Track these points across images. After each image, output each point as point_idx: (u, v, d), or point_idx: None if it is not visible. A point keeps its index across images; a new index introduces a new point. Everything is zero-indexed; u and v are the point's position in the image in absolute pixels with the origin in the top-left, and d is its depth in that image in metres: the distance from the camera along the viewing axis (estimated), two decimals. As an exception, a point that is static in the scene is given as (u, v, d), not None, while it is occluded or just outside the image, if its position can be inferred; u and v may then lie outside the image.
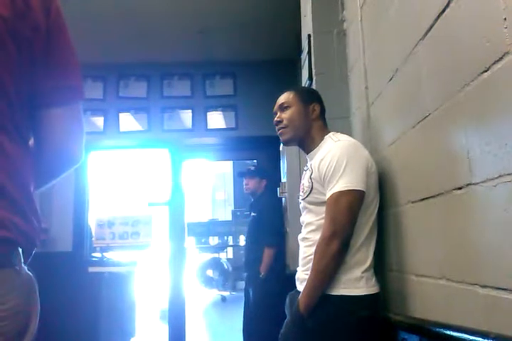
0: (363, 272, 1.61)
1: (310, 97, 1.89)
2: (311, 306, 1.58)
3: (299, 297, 1.62)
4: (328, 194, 1.62)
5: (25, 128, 0.93)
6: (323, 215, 1.64)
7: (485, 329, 1.02)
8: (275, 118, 1.88)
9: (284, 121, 1.84)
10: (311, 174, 1.72)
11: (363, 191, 1.61)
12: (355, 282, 1.59)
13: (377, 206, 1.70)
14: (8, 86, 0.88)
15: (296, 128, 1.83)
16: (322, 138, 1.80)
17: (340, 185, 1.59)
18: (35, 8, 0.91)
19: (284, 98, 1.88)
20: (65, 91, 0.95)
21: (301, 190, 1.80)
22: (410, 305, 1.52)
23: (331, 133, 1.81)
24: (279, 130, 1.87)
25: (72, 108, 0.96)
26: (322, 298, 1.59)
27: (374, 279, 1.65)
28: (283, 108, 1.87)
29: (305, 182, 1.76)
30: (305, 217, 1.76)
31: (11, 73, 0.88)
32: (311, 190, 1.71)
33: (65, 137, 0.96)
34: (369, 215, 1.66)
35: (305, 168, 1.84)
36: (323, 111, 1.89)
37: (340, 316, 1.57)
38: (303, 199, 1.76)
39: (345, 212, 1.58)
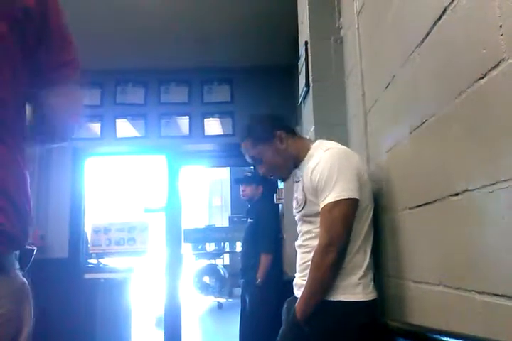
0: (360, 278, 1.60)
1: (266, 131, 1.82)
2: (308, 313, 1.58)
3: (296, 304, 1.62)
4: (322, 204, 1.61)
5: (19, 122, 0.95)
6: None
7: (482, 335, 1.02)
8: (261, 173, 1.87)
9: (266, 172, 1.84)
10: (303, 186, 1.70)
11: (357, 199, 1.60)
12: (353, 288, 1.59)
13: (372, 211, 1.69)
14: (7, 76, 0.89)
15: (281, 166, 1.81)
16: (308, 149, 1.77)
17: (334, 195, 1.58)
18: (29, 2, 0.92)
19: (246, 151, 1.85)
20: (62, 70, 0.99)
21: (295, 203, 1.78)
22: (408, 311, 1.51)
23: (317, 142, 1.79)
24: (271, 177, 1.89)
25: (69, 85, 1.01)
26: (319, 304, 1.58)
27: (372, 285, 1.64)
28: (254, 161, 1.85)
29: (298, 195, 1.74)
30: (302, 227, 1.75)
31: (10, 61, 0.90)
32: (305, 203, 1.69)
33: (63, 114, 1.01)
34: (364, 221, 1.66)
35: (296, 180, 1.81)
36: (288, 129, 1.84)
37: (338, 323, 1.56)
38: (298, 212, 1.75)
39: (341, 221, 1.58)
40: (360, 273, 1.61)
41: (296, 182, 1.79)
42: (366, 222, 1.66)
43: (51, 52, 0.96)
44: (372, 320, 1.60)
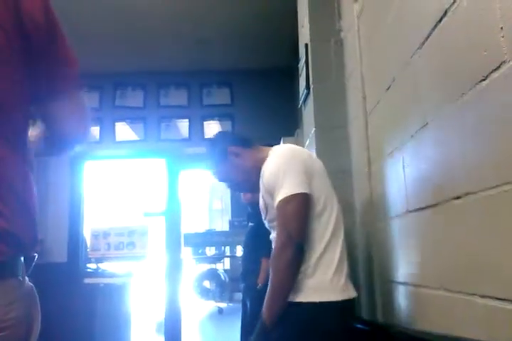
0: (331, 278, 1.54)
1: (219, 151, 1.86)
2: (273, 317, 1.53)
3: (262, 308, 1.57)
4: (275, 204, 1.60)
5: (23, 127, 0.96)
6: None
7: (484, 340, 1.01)
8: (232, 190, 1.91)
9: (236, 189, 1.97)
10: (260, 193, 1.72)
11: (307, 193, 1.58)
12: (324, 288, 1.54)
13: (335, 209, 1.65)
14: (6, 92, 0.89)
15: (245, 179, 1.83)
16: (266, 157, 1.75)
17: (283, 192, 1.57)
18: (34, 11, 0.92)
19: (214, 176, 1.92)
20: (64, 82, 0.99)
21: (261, 211, 1.77)
22: (409, 315, 1.50)
23: (273, 148, 1.79)
24: (244, 193, 1.90)
25: (73, 97, 1.01)
26: (287, 306, 1.53)
27: (346, 284, 1.57)
28: (224, 182, 1.93)
29: (260, 202, 1.75)
30: (273, 233, 1.70)
31: (11, 76, 0.90)
32: (266, 208, 1.70)
33: (66, 126, 1.02)
34: (326, 218, 1.62)
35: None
36: (241, 142, 1.86)
37: (308, 325, 1.50)
38: (265, 219, 1.75)
39: (294, 216, 1.56)
40: (330, 272, 1.55)
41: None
42: (329, 221, 1.62)
43: (54, 64, 0.97)
44: (342, 323, 1.55)
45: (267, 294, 1.57)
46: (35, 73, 0.94)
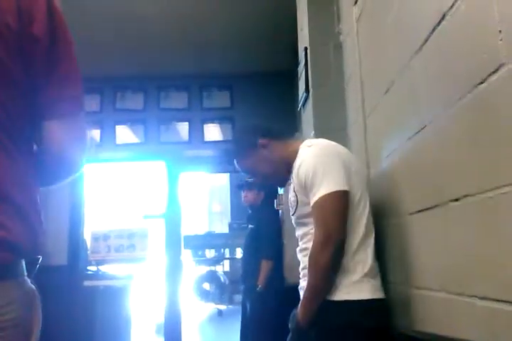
0: (363, 276, 1.54)
1: (249, 142, 1.82)
2: (310, 316, 1.52)
3: (298, 308, 1.57)
4: (312, 201, 1.56)
5: (25, 138, 0.94)
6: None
7: (485, 342, 1.01)
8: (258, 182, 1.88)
9: (262, 181, 1.87)
10: (294, 187, 1.67)
11: (347, 190, 1.56)
12: (357, 286, 1.52)
13: (368, 206, 1.64)
14: (4, 99, 0.88)
15: (273, 172, 1.80)
16: (297, 151, 1.72)
17: (323, 189, 1.54)
18: (38, 20, 0.91)
19: (238, 167, 1.87)
20: (66, 104, 0.96)
21: (289, 204, 1.74)
22: (410, 317, 1.50)
23: (305, 141, 1.75)
24: (272, 184, 1.93)
25: (73, 119, 0.97)
26: (323, 304, 1.52)
27: (378, 284, 1.57)
28: (248, 174, 1.90)
29: (291, 196, 1.71)
30: (299, 230, 1.71)
31: (9, 87, 0.89)
32: (297, 204, 1.66)
33: (65, 148, 0.97)
34: (359, 215, 1.60)
35: (289, 182, 1.78)
36: (271, 135, 1.83)
37: (344, 324, 1.49)
38: (293, 215, 1.71)
39: (334, 214, 1.53)
40: (364, 270, 1.54)
41: (289, 184, 1.76)
42: (363, 218, 1.61)
43: (55, 84, 0.94)
44: (380, 322, 1.54)
45: (304, 294, 1.56)
46: (37, 90, 0.92)
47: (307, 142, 1.73)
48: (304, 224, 1.67)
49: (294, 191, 1.66)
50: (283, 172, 1.77)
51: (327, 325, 1.50)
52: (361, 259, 1.56)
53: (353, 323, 1.49)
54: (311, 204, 1.57)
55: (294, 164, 1.69)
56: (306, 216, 1.63)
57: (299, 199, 1.65)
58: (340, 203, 1.55)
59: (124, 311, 4.72)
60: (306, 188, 1.60)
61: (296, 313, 1.58)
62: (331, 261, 1.51)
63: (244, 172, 1.87)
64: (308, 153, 1.64)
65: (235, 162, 1.86)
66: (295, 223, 1.74)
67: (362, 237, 1.59)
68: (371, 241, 1.62)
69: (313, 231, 1.61)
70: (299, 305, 1.57)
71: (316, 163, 1.58)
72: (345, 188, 1.55)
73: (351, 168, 1.62)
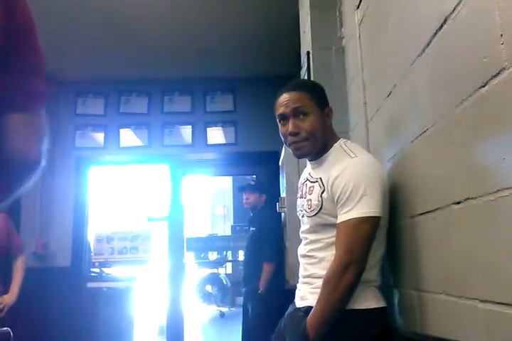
0: (370, 286, 1.52)
1: (324, 98, 1.66)
2: (323, 331, 1.46)
3: (308, 320, 1.49)
4: (343, 218, 1.47)
5: None
6: (332, 234, 1.52)
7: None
8: (290, 128, 1.58)
9: (303, 133, 1.57)
10: (323, 192, 1.55)
11: (380, 217, 1.48)
12: (364, 296, 1.50)
13: (386, 225, 1.59)
14: None
15: (317, 140, 1.59)
16: (331, 145, 1.62)
17: (360, 210, 1.45)
18: None
19: (298, 100, 1.59)
20: (27, 98, 0.91)
21: (306, 205, 1.60)
22: (411, 320, 1.51)
23: (341, 142, 1.64)
24: (295, 143, 1.59)
25: (33, 114, 0.92)
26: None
27: (381, 294, 1.57)
28: (298, 113, 1.58)
29: (313, 198, 1.58)
30: (310, 235, 1.62)
31: None
32: (319, 209, 1.55)
33: (22, 143, 0.91)
34: (382, 238, 1.56)
35: (310, 179, 1.65)
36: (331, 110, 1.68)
37: (350, 333, 1.47)
38: (309, 217, 1.59)
39: (364, 242, 1.46)
40: (371, 284, 1.53)
41: (312, 182, 1.62)
42: (384, 240, 1.57)
43: (15, 76, 0.88)
44: (385, 328, 1.53)
45: (317, 310, 1.48)
46: None
47: (346, 148, 1.59)
48: (319, 232, 1.58)
49: (321, 196, 1.55)
50: (318, 145, 1.60)
51: (333, 335, 1.47)
52: (371, 277, 1.54)
53: (359, 331, 1.48)
54: (339, 220, 1.49)
55: (328, 167, 1.58)
56: (327, 225, 1.55)
57: (323, 207, 1.54)
58: (372, 230, 1.47)
59: (126, 313, 4.73)
60: (337, 200, 1.50)
61: (304, 323, 1.50)
62: (350, 285, 1.46)
63: (292, 111, 1.59)
64: (352, 165, 1.53)
65: (293, 95, 1.62)
66: (307, 224, 1.64)
67: (379, 259, 1.56)
68: (383, 258, 1.60)
69: (326, 241, 1.55)
70: (311, 317, 1.49)
71: (359, 179, 1.48)
72: (379, 215, 1.48)
73: (387, 191, 1.55)
